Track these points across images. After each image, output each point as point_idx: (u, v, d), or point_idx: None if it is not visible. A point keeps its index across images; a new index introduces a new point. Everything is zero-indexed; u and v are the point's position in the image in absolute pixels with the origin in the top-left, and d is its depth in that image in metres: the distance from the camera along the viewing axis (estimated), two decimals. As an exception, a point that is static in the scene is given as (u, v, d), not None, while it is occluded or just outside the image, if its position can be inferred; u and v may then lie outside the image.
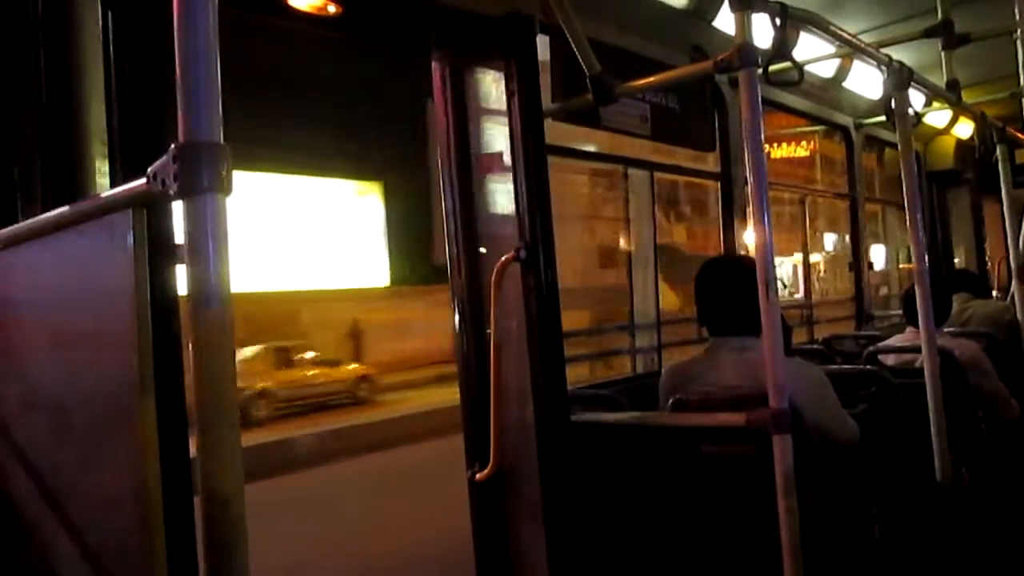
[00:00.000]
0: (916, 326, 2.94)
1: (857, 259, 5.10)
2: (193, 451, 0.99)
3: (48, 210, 1.58)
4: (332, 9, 2.19)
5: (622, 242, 3.55)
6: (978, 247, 6.27)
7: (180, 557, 1.20)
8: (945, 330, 3.38)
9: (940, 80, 3.36)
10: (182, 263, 0.98)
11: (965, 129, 5.69)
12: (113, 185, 1.49)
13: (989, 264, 6.33)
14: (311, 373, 14.06)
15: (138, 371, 1.10)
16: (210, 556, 0.96)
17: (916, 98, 3.73)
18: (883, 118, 2.99)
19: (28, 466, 1.46)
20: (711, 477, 2.37)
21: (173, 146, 0.97)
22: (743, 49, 1.99)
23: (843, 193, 5.26)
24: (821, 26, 2.43)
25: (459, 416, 2.50)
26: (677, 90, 3.23)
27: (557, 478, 2.22)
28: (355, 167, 16.08)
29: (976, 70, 4.20)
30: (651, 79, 2.51)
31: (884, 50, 2.84)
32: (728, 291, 2.41)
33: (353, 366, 15.18)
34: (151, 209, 1.12)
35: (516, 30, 2.26)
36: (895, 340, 3.59)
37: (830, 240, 27.43)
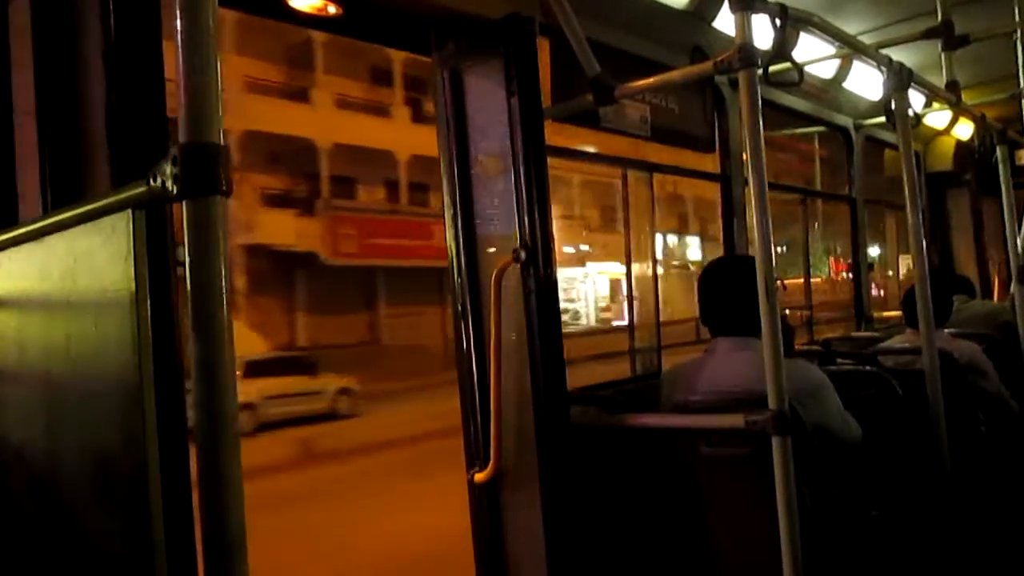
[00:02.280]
0: (916, 327, 2.94)
1: (857, 261, 5.10)
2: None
3: (49, 211, 1.58)
4: (332, 10, 2.20)
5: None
6: (978, 249, 6.27)
7: (180, 558, 1.20)
8: (945, 331, 3.39)
9: (940, 81, 3.36)
10: (182, 264, 0.98)
11: (965, 130, 5.69)
12: (113, 186, 1.49)
13: (990, 265, 6.33)
14: None
15: (138, 373, 1.10)
16: (210, 558, 0.96)
17: (916, 99, 3.73)
18: (883, 119, 2.99)
19: (28, 466, 1.46)
20: (710, 478, 2.37)
21: (174, 147, 0.97)
22: (743, 50, 1.99)
23: (843, 195, 5.26)
24: (821, 27, 2.43)
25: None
26: (677, 91, 3.23)
27: (556, 479, 2.22)
28: None
29: (976, 71, 4.19)
30: (651, 80, 2.51)
31: (884, 51, 2.84)
32: (729, 291, 2.40)
33: None
34: (151, 210, 1.12)
35: (516, 31, 2.26)
36: (895, 341, 3.60)
37: (666, 243, 25.32)
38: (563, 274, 24.56)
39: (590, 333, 22.00)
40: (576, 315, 26.27)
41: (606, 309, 27.55)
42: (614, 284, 27.42)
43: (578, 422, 2.36)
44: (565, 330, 2.50)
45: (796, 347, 3.48)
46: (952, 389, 2.82)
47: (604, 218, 26.31)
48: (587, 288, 27.50)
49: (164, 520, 1.10)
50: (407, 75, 22.30)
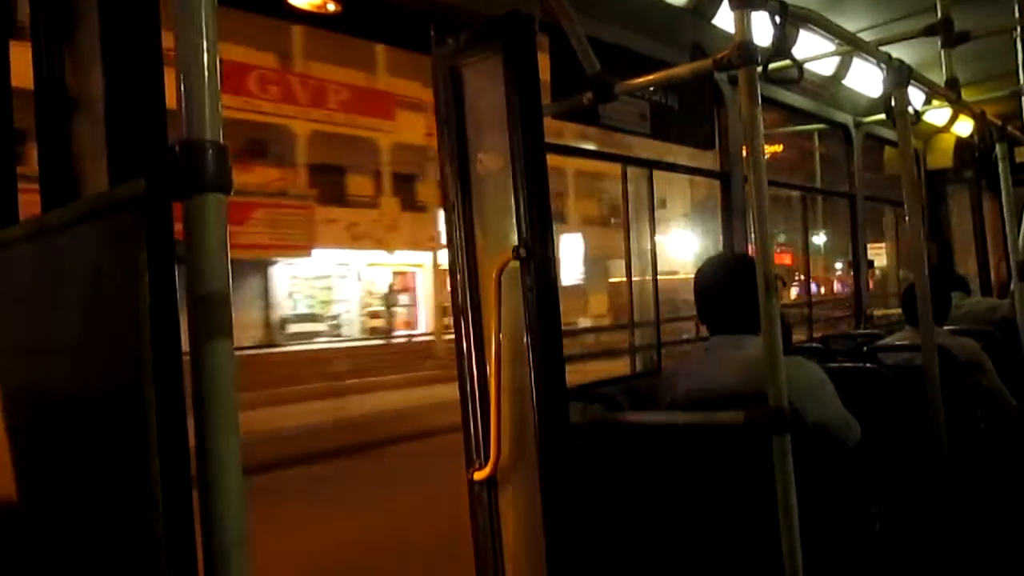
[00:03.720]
0: (915, 324, 2.95)
1: (856, 258, 5.10)
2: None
3: (48, 210, 1.58)
4: (332, 8, 2.20)
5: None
6: (978, 246, 6.27)
7: (179, 557, 1.20)
8: (944, 328, 3.39)
9: (939, 78, 3.36)
10: (181, 262, 0.98)
11: (965, 127, 5.69)
12: (112, 185, 1.49)
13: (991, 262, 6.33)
14: None
15: (137, 371, 1.10)
16: (209, 559, 0.96)
17: (916, 96, 3.72)
18: (883, 116, 2.99)
19: (27, 465, 1.46)
20: (710, 476, 2.37)
21: (174, 145, 0.97)
22: (742, 47, 1.99)
23: (843, 192, 5.26)
24: (821, 24, 2.43)
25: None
26: (676, 88, 3.23)
27: (556, 477, 2.22)
28: None
29: (976, 68, 4.19)
30: (650, 77, 2.51)
31: (884, 48, 2.84)
32: (727, 289, 2.40)
33: None
34: (150, 208, 1.12)
35: (515, 28, 2.26)
36: (894, 339, 3.60)
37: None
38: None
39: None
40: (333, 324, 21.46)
41: (375, 315, 22.33)
42: (396, 280, 22.78)
43: (578, 420, 2.37)
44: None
45: (795, 344, 3.48)
46: (951, 386, 2.82)
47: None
48: (351, 287, 22.18)
49: (164, 520, 1.10)
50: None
